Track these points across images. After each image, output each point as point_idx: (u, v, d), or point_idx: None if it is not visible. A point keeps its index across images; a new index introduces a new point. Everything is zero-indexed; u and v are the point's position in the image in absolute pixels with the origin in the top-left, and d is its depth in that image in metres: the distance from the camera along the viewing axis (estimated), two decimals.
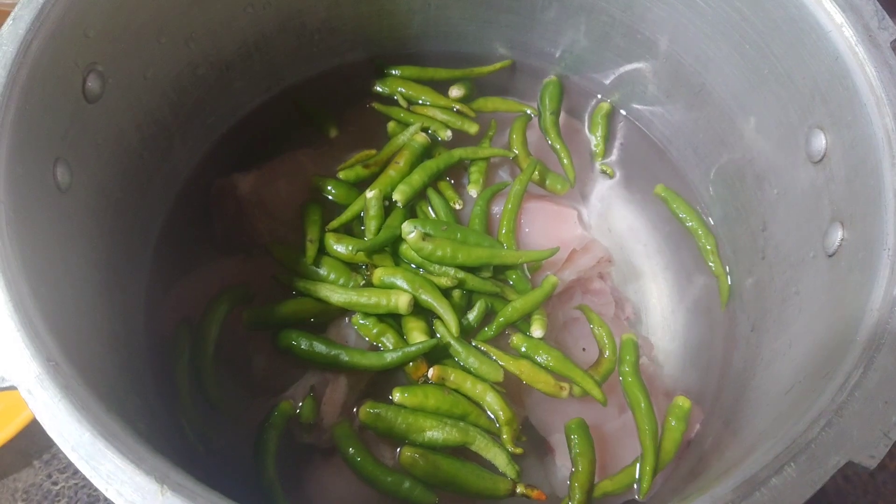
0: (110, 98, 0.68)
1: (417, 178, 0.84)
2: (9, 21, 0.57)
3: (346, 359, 0.75)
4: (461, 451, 0.73)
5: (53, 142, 0.61)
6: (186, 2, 0.74)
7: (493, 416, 0.74)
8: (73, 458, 0.45)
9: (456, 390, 0.75)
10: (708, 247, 0.86)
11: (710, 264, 0.85)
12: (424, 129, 0.89)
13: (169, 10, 0.73)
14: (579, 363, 0.77)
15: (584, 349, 0.80)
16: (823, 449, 0.46)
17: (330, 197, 0.85)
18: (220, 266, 0.83)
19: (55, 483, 0.83)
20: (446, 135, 0.90)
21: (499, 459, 0.72)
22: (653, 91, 0.89)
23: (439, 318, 0.77)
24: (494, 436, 0.74)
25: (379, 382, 0.77)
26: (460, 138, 0.91)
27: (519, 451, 0.73)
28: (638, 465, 0.73)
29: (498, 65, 0.96)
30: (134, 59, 0.71)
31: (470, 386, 0.74)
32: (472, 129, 0.91)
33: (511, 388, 0.76)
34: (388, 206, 0.83)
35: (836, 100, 0.63)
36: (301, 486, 0.72)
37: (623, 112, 0.95)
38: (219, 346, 0.77)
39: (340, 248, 0.80)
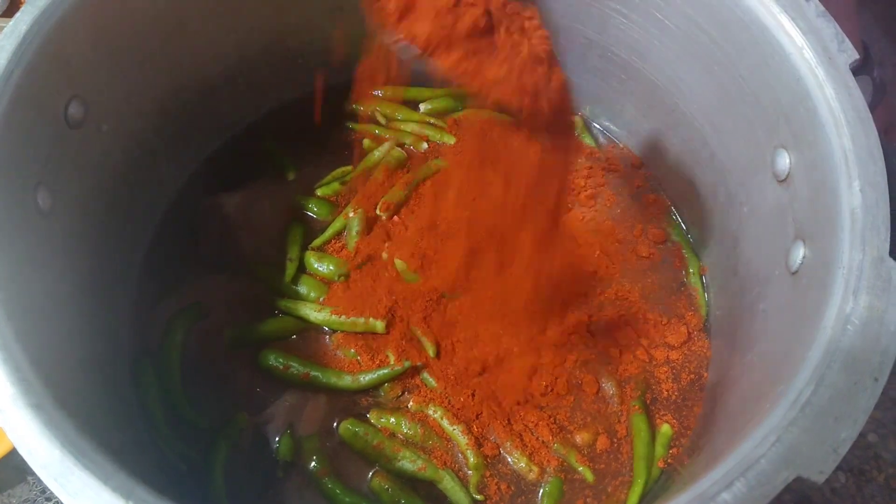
0: (93, 123, 0.69)
1: (398, 191, 0.85)
2: None
3: (323, 380, 0.76)
4: (429, 487, 0.73)
5: (35, 166, 0.62)
6: (169, 29, 0.76)
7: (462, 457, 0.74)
8: (41, 475, 0.46)
9: (432, 422, 0.75)
10: (691, 270, 0.87)
11: (692, 284, 0.86)
12: (401, 144, 0.91)
13: (151, 38, 0.74)
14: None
15: None
16: (773, 464, 0.46)
17: (312, 214, 0.87)
18: (205, 285, 0.84)
19: (49, 499, 0.84)
20: (422, 147, 0.92)
21: None
22: (630, 110, 0.90)
23: (417, 339, 0.78)
24: (464, 479, 0.73)
25: (358, 402, 0.77)
26: (438, 150, 0.92)
27: (480, 498, 0.72)
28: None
29: None
30: (116, 86, 0.72)
31: (446, 423, 0.74)
32: (451, 139, 0.93)
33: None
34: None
35: (799, 120, 0.64)
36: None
37: (604, 130, 0.96)
38: (199, 365, 0.78)
39: (321, 266, 0.82)
